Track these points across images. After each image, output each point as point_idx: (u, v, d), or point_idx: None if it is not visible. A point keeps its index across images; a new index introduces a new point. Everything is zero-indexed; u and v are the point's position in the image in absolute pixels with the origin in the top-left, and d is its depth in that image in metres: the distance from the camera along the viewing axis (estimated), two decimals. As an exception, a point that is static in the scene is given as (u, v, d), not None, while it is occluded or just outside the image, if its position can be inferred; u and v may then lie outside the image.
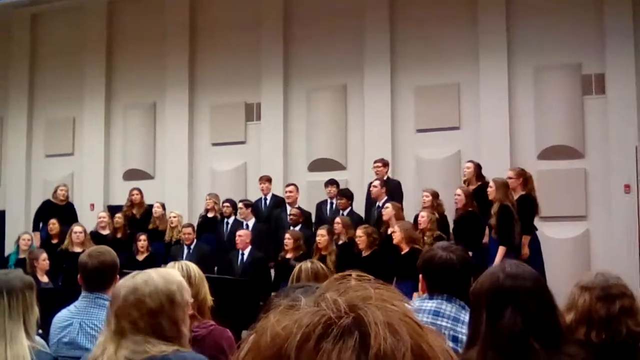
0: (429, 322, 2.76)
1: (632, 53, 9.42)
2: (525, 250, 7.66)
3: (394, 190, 9.18)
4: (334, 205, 9.51)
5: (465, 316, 2.80)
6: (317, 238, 8.25)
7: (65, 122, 12.85)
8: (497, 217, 7.59)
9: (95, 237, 9.68)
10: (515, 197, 7.80)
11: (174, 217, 9.99)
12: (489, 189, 7.86)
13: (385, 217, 8.37)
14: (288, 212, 9.49)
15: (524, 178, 7.98)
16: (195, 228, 9.71)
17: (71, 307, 3.51)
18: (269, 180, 10.17)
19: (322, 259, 7.89)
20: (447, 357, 0.78)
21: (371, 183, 9.23)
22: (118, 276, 3.43)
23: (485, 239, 8.01)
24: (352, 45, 10.91)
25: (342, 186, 9.81)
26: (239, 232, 9.08)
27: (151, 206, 10.50)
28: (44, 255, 8.31)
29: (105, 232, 10.12)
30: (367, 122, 10.72)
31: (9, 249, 10.98)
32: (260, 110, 11.52)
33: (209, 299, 3.17)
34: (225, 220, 9.89)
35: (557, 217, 9.32)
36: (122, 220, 10.14)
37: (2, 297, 2.83)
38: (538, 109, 9.87)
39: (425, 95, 10.44)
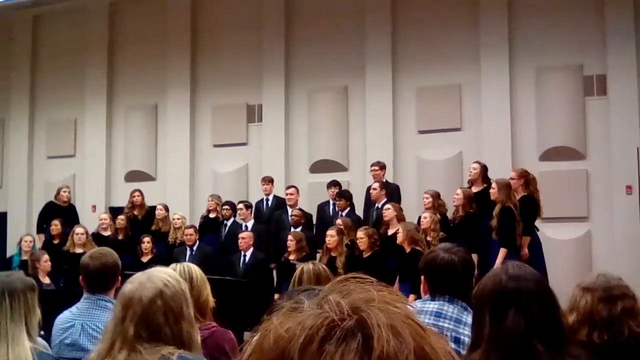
0: (430, 323, 2.76)
1: (634, 54, 9.42)
2: (525, 251, 7.66)
3: (393, 194, 9.21)
4: (336, 207, 9.52)
5: (467, 317, 2.80)
6: (327, 239, 8.19)
7: (67, 123, 12.86)
8: (498, 219, 7.59)
9: (97, 238, 9.68)
10: (517, 197, 7.80)
11: (178, 218, 9.99)
12: (491, 190, 7.85)
13: (386, 218, 8.38)
14: (289, 214, 9.49)
15: (526, 179, 7.98)
16: (197, 229, 9.70)
17: (73, 308, 3.51)
18: (271, 181, 10.18)
19: (332, 260, 7.90)
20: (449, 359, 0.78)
21: (370, 186, 9.27)
22: (120, 278, 3.43)
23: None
24: (354, 46, 10.92)
25: (344, 188, 9.82)
26: (241, 234, 9.08)
27: (152, 207, 10.50)
28: (46, 256, 8.31)
29: (107, 233, 10.12)
30: (368, 123, 10.73)
31: (10, 250, 11.00)
32: (261, 112, 11.52)
33: (211, 301, 3.17)
34: (224, 221, 9.89)
35: (558, 218, 9.32)
36: (124, 221, 10.13)
37: (3, 299, 2.83)
38: (539, 110, 9.86)
39: (427, 96, 10.44)
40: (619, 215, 9.32)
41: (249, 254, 8.96)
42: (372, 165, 9.58)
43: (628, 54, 9.44)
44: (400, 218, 8.29)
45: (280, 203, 10.01)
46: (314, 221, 9.74)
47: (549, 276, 7.13)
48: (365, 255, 7.93)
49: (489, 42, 10.10)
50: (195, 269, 3.20)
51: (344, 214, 9.17)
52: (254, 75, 11.51)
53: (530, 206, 7.84)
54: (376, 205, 9.03)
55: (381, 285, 0.83)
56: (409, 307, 0.80)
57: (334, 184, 9.78)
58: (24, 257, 9.28)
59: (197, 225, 9.91)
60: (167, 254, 9.51)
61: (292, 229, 9.02)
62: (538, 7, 10.00)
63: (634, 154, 9.28)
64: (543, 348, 2.05)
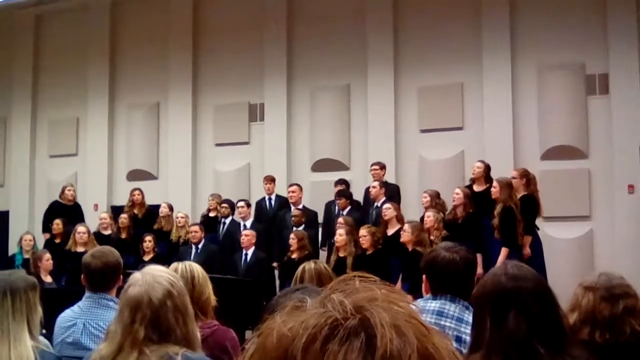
0: (432, 322, 2.76)
1: (636, 53, 9.41)
2: (527, 251, 7.66)
3: (392, 194, 9.21)
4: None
5: (468, 316, 2.80)
6: (336, 237, 8.21)
7: (69, 122, 12.87)
8: (499, 219, 7.59)
9: (99, 237, 9.68)
10: (518, 196, 7.80)
11: (182, 217, 10.00)
12: (492, 189, 7.86)
13: (386, 217, 8.40)
14: (292, 213, 9.49)
15: (527, 178, 7.98)
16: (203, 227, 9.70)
17: (75, 307, 3.51)
18: (272, 180, 10.18)
19: (341, 260, 7.89)
20: (452, 359, 0.78)
21: (369, 186, 9.28)
22: (122, 277, 3.43)
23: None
24: (356, 45, 10.91)
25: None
26: (244, 232, 9.09)
27: (153, 206, 10.50)
28: (48, 255, 8.31)
29: (107, 232, 10.12)
30: (370, 122, 10.72)
31: (12, 249, 11.00)
32: (263, 111, 11.52)
33: (213, 299, 3.17)
34: (222, 220, 9.89)
35: (560, 217, 9.32)
36: (127, 220, 10.13)
37: (5, 298, 2.83)
38: (541, 109, 9.85)
39: (429, 95, 10.44)
40: (621, 214, 9.31)
41: (250, 253, 8.96)
42: (372, 165, 9.62)
43: (630, 53, 9.42)
44: (400, 218, 8.32)
45: (283, 202, 10.01)
46: (319, 219, 9.74)
47: (551, 275, 7.15)
48: (368, 253, 7.96)
49: (490, 41, 10.09)
50: (197, 268, 3.20)
51: (344, 212, 9.17)
52: (256, 74, 11.50)
53: (531, 205, 7.84)
54: (375, 204, 9.04)
55: (384, 284, 0.83)
56: (412, 306, 0.80)
57: (341, 182, 9.81)
58: (26, 256, 9.28)
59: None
60: (168, 252, 9.52)
61: (294, 228, 9.02)
62: (540, 5, 9.99)
63: (636, 153, 9.27)
64: (545, 350, 2.05)
